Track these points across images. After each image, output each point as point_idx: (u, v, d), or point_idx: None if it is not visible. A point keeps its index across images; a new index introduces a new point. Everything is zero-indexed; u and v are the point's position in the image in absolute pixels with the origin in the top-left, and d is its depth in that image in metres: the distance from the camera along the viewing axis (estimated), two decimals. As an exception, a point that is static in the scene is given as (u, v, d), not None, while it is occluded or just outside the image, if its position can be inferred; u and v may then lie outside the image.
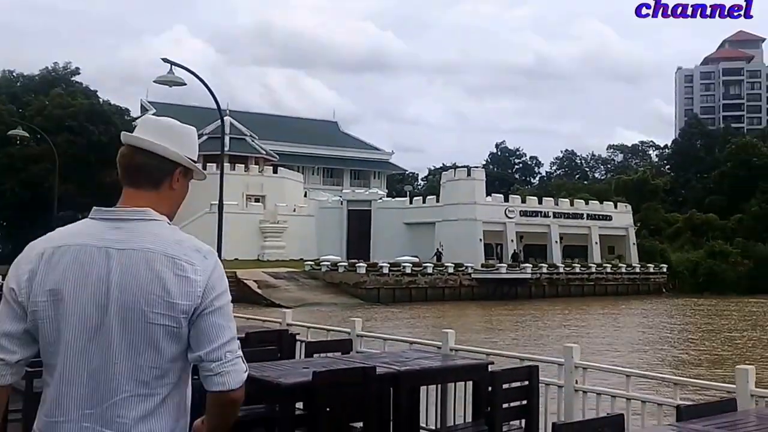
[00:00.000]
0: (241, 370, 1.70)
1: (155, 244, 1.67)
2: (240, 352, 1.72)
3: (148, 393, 1.64)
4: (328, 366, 4.48)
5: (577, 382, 4.67)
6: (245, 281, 35.19)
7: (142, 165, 1.76)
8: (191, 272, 1.66)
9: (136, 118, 58.41)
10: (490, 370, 4.73)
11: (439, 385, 5.14)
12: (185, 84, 12.43)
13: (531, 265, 44.79)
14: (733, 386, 3.99)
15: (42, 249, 1.69)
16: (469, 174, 48.90)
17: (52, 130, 37.89)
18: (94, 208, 1.77)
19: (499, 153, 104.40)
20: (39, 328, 1.66)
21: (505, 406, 4.29)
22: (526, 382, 4.43)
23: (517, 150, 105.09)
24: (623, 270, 49.24)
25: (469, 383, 5.02)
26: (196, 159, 1.85)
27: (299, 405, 4.43)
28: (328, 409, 4.04)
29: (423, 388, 4.97)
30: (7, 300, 1.69)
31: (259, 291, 34.63)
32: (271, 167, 56.76)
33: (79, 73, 51.98)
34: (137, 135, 1.79)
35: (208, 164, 54.18)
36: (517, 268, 43.77)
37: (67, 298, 1.65)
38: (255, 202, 51.20)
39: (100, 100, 48.23)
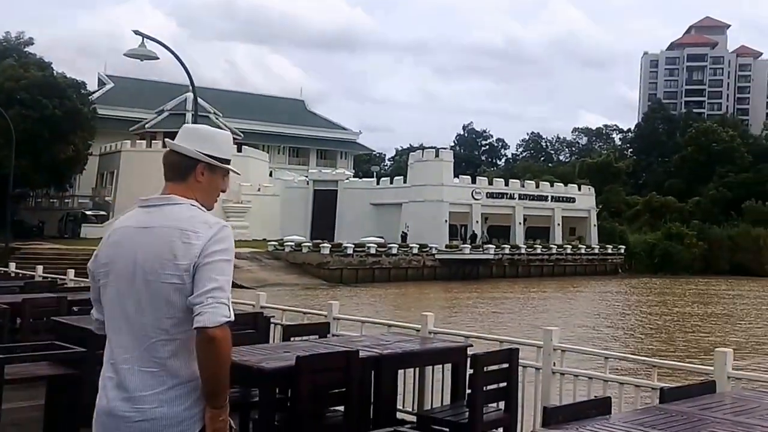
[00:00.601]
0: (219, 313, 2.02)
1: (172, 221, 2.13)
2: (225, 301, 2.05)
3: (169, 338, 2.09)
4: (309, 350, 4.43)
5: (554, 364, 4.70)
6: (207, 261, 34.92)
7: (170, 162, 2.28)
8: (194, 239, 2.09)
9: (93, 92, 56.12)
10: (469, 352, 4.72)
11: (417, 368, 5.14)
12: (158, 58, 11.87)
13: (494, 246, 45.43)
14: (711, 368, 4.06)
15: (106, 234, 2.27)
16: (437, 155, 49.04)
17: (3, 103, 36.13)
18: (139, 198, 2.26)
19: (466, 134, 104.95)
20: (101, 293, 2.21)
21: (484, 388, 4.28)
22: (506, 365, 4.42)
23: (484, 132, 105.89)
24: (582, 251, 50.34)
25: (447, 366, 5.01)
26: (225, 158, 2.29)
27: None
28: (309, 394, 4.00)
29: (400, 372, 4.95)
30: (90, 277, 2.29)
31: (219, 271, 34.24)
32: (236, 146, 54.30)
33: (32, 44, 49.71)
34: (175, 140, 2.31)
35: (168, 141, 52.56)
36: (480, 249, 44.35)
37: (112, 267, 2.17)
38: (218, 181, 50.68)
39: (55, 72, 45.94)
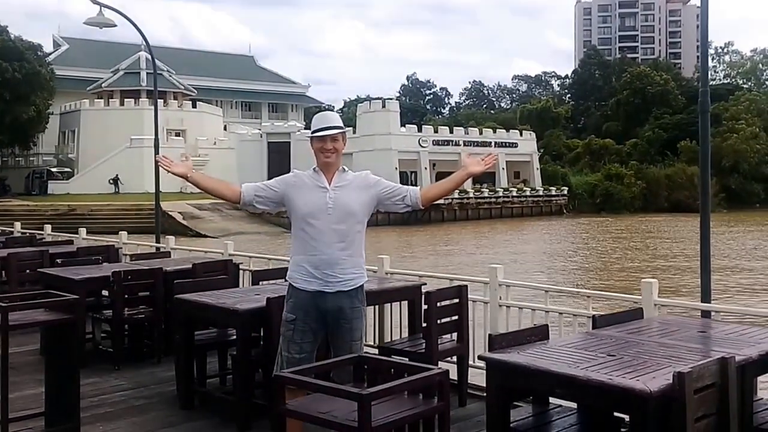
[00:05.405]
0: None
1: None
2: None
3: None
4: (277, 292, 4.76)
5: (501, 298, 5.04)
6: (170, 213, 34.94)
7: None
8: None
9: (49, 54, 56.77)
10: (423, 290, 5.00)
11: (376, 306, 5.44)
12: (116, 25, 12.12)
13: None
14: (639, 297, 4.33)
15: None
16: (383, 106, 49.63)
17: (-39, 68, 35.96)
18: None
19: (410, 85, 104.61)
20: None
21: (438, 321, 4.56)
22: (456, 300, 4.69)
23: (428, 82, 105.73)
24: (528, 193, 51.84)
25: (403, 303, 5.34)
26: (313, 128, 3.56)
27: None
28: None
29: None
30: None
31: (184, 222, 34.56)
32: (190, 102, 56.51)
33: None
34: None
35: (126, 100, 52.73)
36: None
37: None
38: (176, 136, 51.06)
39: (11, 35, 45.94)
